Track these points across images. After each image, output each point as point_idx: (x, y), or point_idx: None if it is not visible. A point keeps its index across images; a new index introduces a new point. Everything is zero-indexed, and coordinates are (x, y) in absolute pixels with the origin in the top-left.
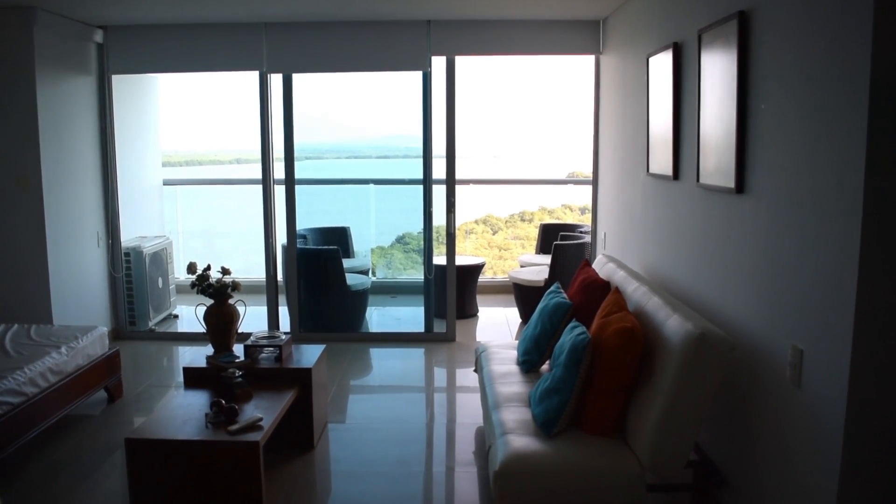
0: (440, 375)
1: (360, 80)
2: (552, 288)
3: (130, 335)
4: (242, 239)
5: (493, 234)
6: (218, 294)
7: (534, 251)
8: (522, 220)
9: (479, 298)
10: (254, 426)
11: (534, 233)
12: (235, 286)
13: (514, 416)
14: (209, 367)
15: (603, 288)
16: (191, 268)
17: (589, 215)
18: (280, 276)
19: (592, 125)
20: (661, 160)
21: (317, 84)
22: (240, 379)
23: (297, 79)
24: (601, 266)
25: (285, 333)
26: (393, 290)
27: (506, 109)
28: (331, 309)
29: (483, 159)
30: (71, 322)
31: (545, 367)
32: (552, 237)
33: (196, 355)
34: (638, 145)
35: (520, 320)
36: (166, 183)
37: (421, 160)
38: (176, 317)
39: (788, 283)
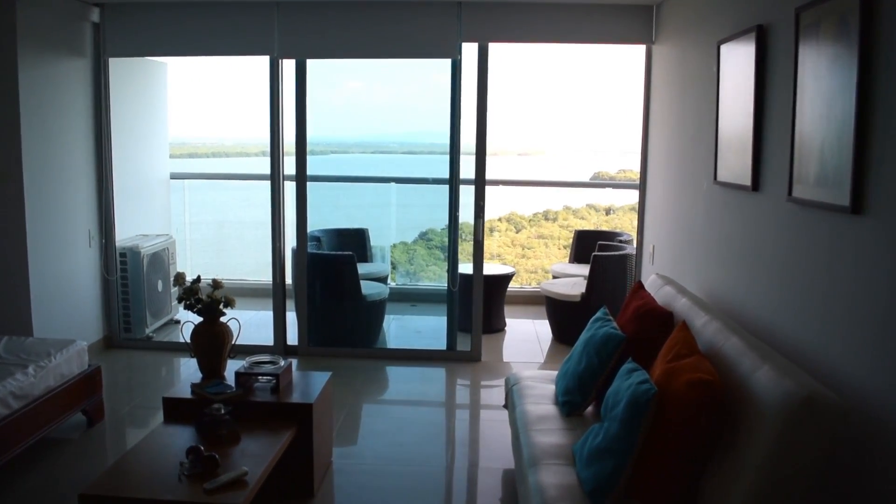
0: (462, 402)
1: (381, 68)
2: (599, 314)
3: (125, 344)
4: (256, 238)
5: (517, 232)
6: (208, 310)
7: (567, 259)
8: (546, 218)
9: (506, 309)
10: (237, 482)
11: (558, 232)
12: (229, 302)
13: (556, 478)
14: (194, 397)
15: (664, 319)
16: (178, 279)
17: (614, 217)
18: (290, 283)
19: (641, 124)
20: (735, 167)
21: (333, 72)
22: (227, 416)
23: (312, 66)
24: (656, 289)
25: (285, 359)
26: (413, 298)
27: (534, 103)
28: (344, 321)
29: (509, 158)
30: (55, 331)
31: (589, 409)
32: (588, 245)
33: (193, 371)
34: (702, 148)
35: (551, 336)
36: (174, 177)
37: (447, 157)
38: (178, 322)
39: None
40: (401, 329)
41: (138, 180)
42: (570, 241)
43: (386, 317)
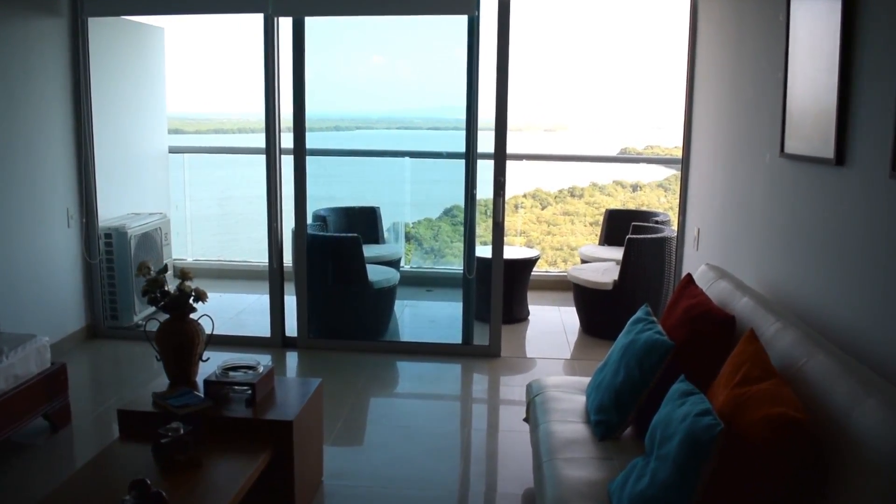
0: (479, 409)
1: (389, 30)
2: (640, 313)
3: (110, 333)
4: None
5: (542, 208)
6: (175, 306)
7: (596, 241)
8: (572, 195)
9: (530, 296)
10: None
11: (584, 209)
12: (199, 296)
13: None
14: (155, 409)
15: (725, 325)
16: (141, 268)
17: (641, 194)
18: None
19: (685, 89)
20: (812, 136)
21: (335, 37)
22: (188, 438)
23: (311, 29)
24: (709, 283)
25: (265, 365)
26: (429, 283)
27: (557, 74)
28: (348, 310)
29: (534, 133)
30: (26, 321)
31: (628, 430)
32: (620, 226)
33: (210, 360)
34: (763, 115)
35: (579, 327)
36: (172, 151)
37: (463, 132)
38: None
39: None
40: (413, 318)
41: (132, 155)
42: (597, 218)
43: (398, 303)
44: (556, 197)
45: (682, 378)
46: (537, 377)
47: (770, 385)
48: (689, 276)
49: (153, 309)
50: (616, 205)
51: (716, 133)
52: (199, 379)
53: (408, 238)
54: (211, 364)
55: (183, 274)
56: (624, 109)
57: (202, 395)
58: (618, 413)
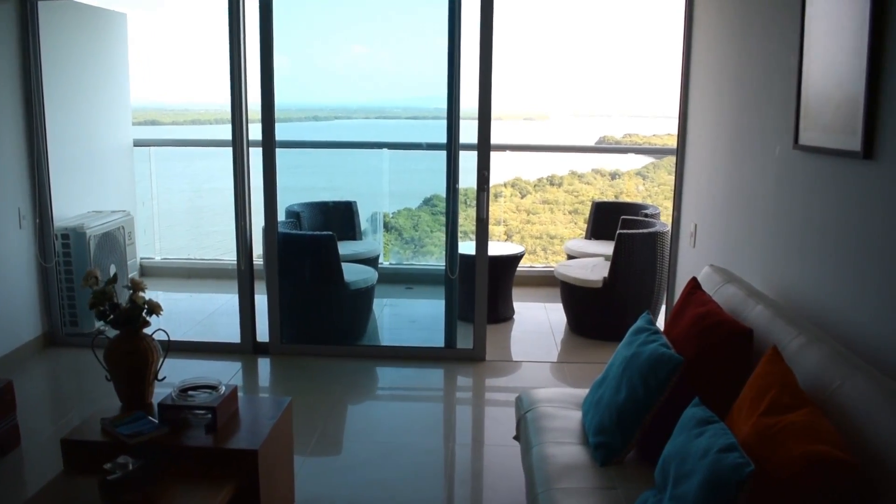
0: (464, 420)
1: (367, 11)
2: (641, 322)
3: (70, 341)
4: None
5: (522, 197)
6: (125, 321)
7: (580, 233)
8: (551, 183)
9: (515, 292)
10: None
11: (563, 197)
12: (153, 309)
13: None
14: (104, 438)
15: (741, 338)
16: (87, 278)
17: (620, 182)
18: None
19: (680, 73)
20: (834, 126)
21: (306, 19)
22: (137, 473)
23: (286, 10)
24: (715, 287)
25: (227, 385)
26: (409, 280)
27: (537, 63)
28: (323, 313)
29: (514, 123)
30: None
31: (631, 453)
32: (607, 219)
33: (175, 369)
34: (773, 102)
35: (566, 325)
36: (137, 144)
37: (444, 121)
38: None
39: None
40: (393, 318)
41: (93, 149)
42: (576, 206)
43: (378, 302)
44: (535, 186)
45: (697, 402)
46: (526, 386)
47: (804, 415)
48: (695, 280)
49: None
50: (595, 193)
51: (715, 122)
52: (156, 400)
53: (387, 228)
54: (169, 383)
55: (134, 285)
56: (603, 98)
57: (156, 421)
58: (620, 435)
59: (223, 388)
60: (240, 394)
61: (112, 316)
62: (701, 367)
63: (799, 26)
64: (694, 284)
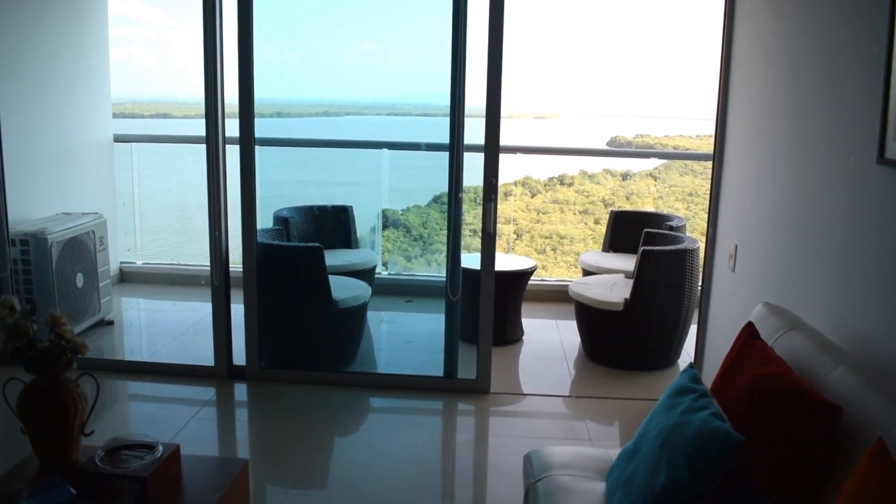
0: (464, 472)
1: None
2: (684, 379)
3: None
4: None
5: (532, 196)
6: (42, 362)
7: (599, 247)
8: (562, 183)
9: (524, 308)
10: None
11: (574, 197)
12: (77, 348)
13: None
14: None
15: (826, 416)
16: (2, 308)
17: (631, 182)
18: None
19: (719, 68)
20: None
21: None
22: None
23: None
24: (773, 334)
25: (166, 444)
26: (409, 292)
27: (548, 59)
28: (307, 334)
29: (525, 121)
30: None
31: None
32: (627, 230)
33: (141, 395)
34: (847, 106)
35: (580, 349)
36: (118, 139)
37: (447, 119)
38: (110, 323)
39: None
40: (390, 336)
41: (66, 144)
42: (586, 206)
43: (373, 317)
44: (545, 185)
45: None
46: (536, 429)
47: None
48: (752, 327)
49: (87, 324)
50: (606, 193)
51: (764, 126)
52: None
53: (395, 225)
54: (99, 437)
55: (54, 320)
56: (615, 97)
57: (73, 493)
58: None
59: (160, 448)
60: (185, 452)
61: (27, 356)
62: (766, 449)
63: (888, 10)
64: (751, 332)
